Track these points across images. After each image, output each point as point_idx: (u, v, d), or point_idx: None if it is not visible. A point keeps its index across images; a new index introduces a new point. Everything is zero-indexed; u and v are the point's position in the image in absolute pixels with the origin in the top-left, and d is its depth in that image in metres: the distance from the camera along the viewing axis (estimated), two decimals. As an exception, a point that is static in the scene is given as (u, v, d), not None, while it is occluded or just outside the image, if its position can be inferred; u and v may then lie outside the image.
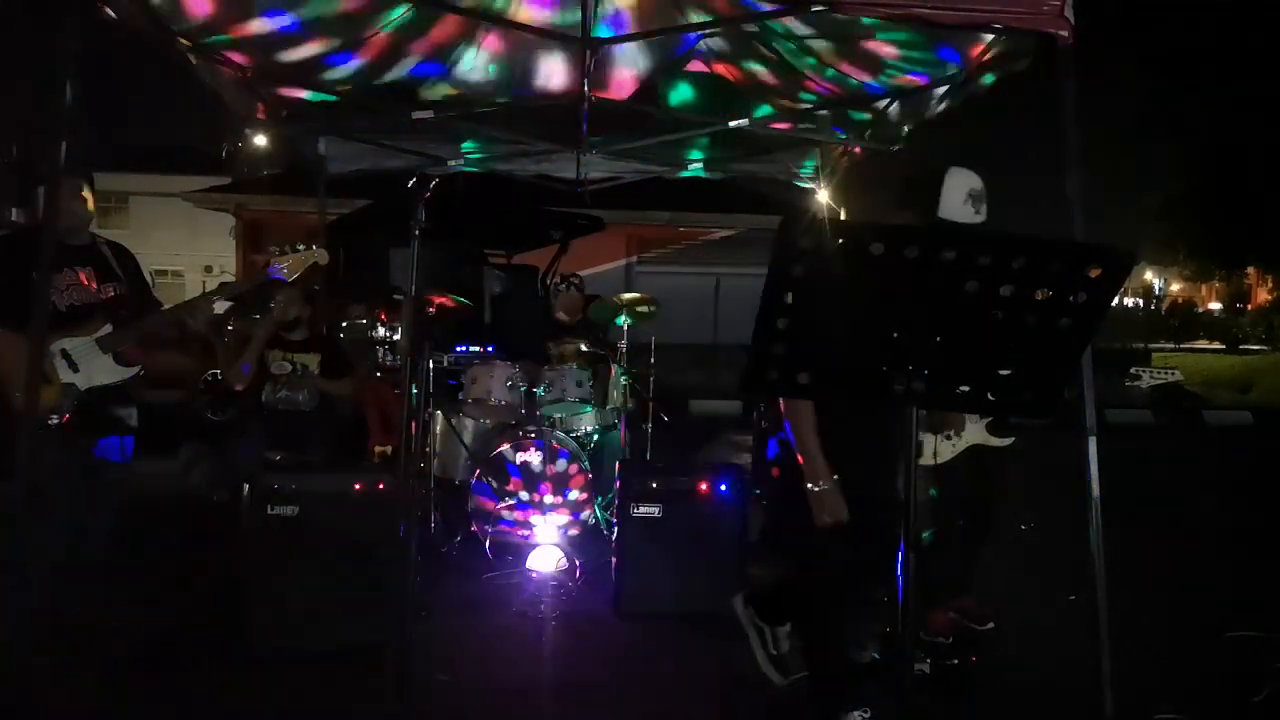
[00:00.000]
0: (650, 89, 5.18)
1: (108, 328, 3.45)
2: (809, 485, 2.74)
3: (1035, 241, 1.57)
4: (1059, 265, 1.58)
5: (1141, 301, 34.36)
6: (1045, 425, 2.64)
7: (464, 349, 6.15)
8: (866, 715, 2.81)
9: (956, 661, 3.62)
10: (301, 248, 3.65)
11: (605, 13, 4.24)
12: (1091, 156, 2.99)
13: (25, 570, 3.09)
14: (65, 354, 3.36)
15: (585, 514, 4.88)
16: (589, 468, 4.91)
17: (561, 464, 4.83)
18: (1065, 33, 3.03)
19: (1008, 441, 3.80)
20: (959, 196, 2.61)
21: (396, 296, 6.37)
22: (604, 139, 5.70)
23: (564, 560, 4.52)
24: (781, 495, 2.95)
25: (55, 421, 3.29)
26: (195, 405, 8.98)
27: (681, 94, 5.26)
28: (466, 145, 6.13)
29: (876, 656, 3.51)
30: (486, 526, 4.81)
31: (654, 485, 4.09)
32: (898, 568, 1.83)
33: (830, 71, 4.58)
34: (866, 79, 4.61)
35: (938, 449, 3.69)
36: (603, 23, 4.27)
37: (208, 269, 29.15)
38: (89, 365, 3.41)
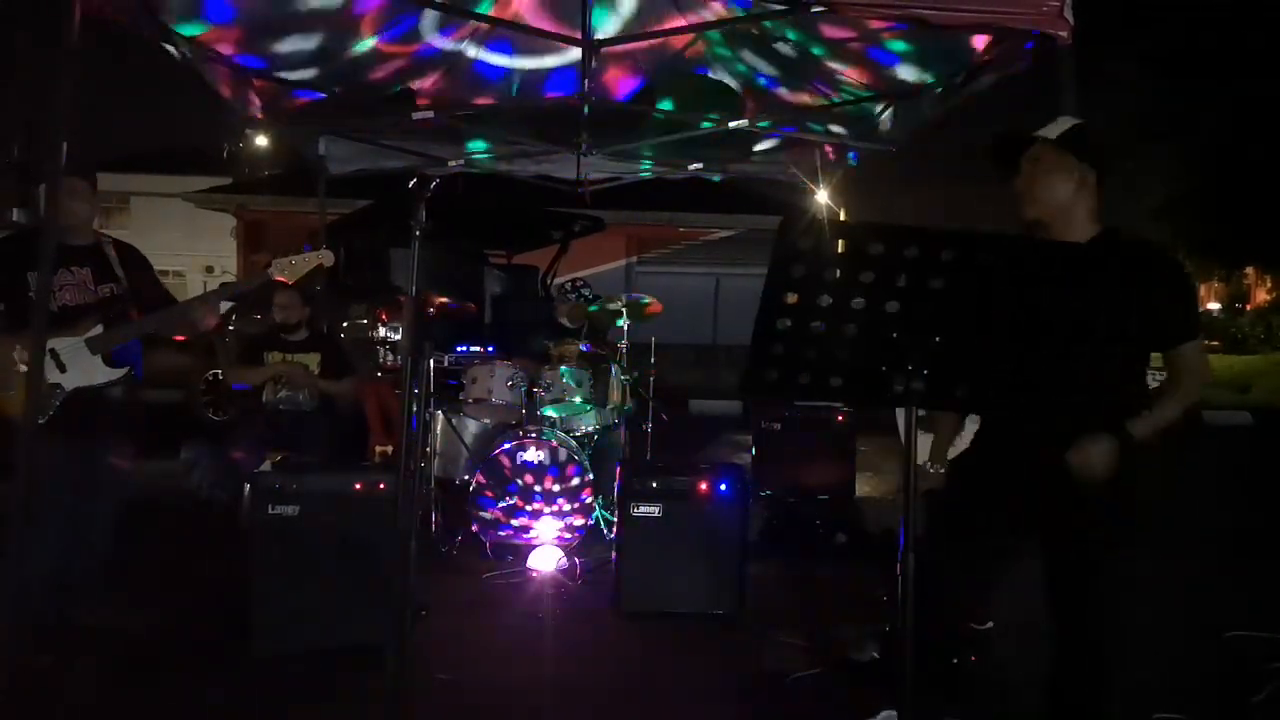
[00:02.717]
0: (650, 90, 5.18)
1: (98, 328, 3.45)
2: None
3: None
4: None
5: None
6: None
7: (464, 349, 6.15)
8: (893, 716, 2.82)
9: (956, 661, 3.62)
10: (306, 249, 3.65)
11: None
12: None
13: (25, 570, 3.08)
14: (54, 354, 3.35)
15: (585, 514, 4.88)
16: (589, 468, 4.91)
17: (562, 464, 4.83)
18: (1065, 33, 3.03)
19: None
20: None
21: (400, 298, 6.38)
22: (604, 141, 5.71)
23: (564, 560, 4.52)
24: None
25: (41, 421, 3.29)
26: (196, 405, 9.01)
27: (681, 95, 5.26)
28: (467, 145, 6.13)
29: (876, 655, 3.51)
30: (486, 526, 4.81)
31: (654, 485, 4.09)
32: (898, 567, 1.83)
33: (830, 72, 4.58)
34: (866, 80, 4.61)
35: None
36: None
37: (209, 269, 29.17)
38: (77, 366, 3.41)
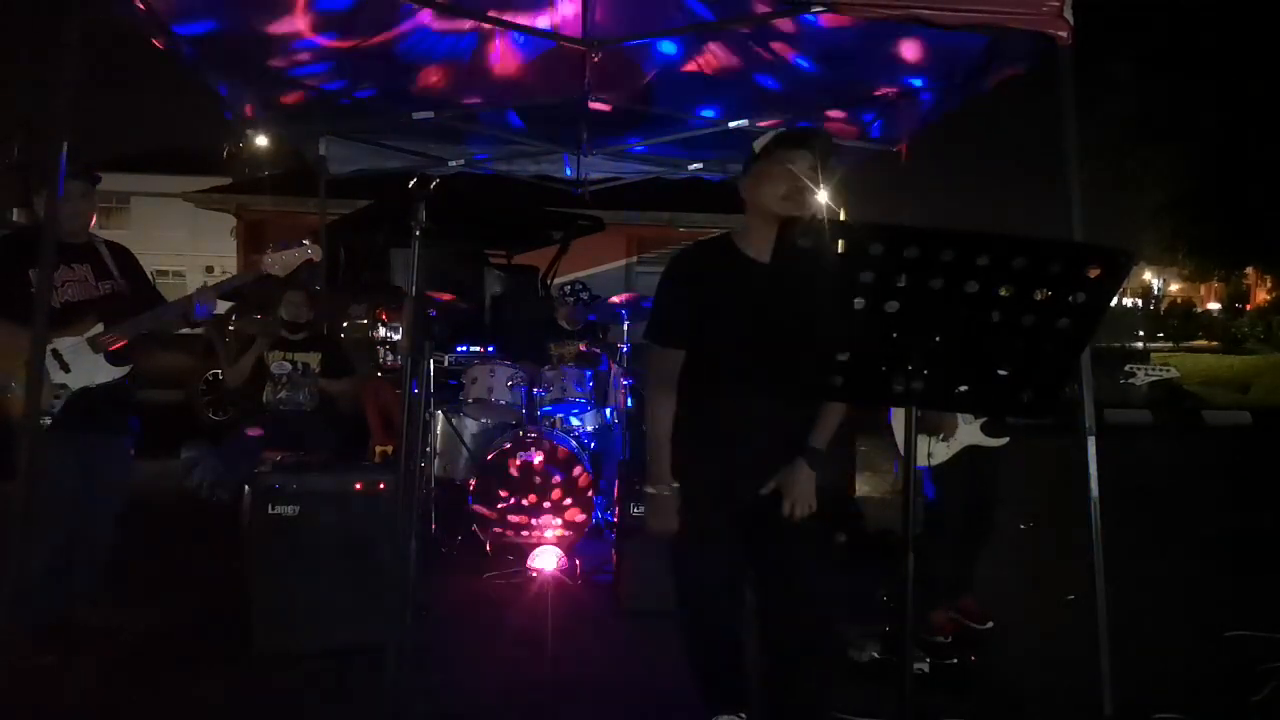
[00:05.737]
0: (649, 89, 5.18)
1: (99, 327, 3.45)
2: (646, 488, 2.61)
3: (1034, 242, 1.57)
4: (1058, 265, 1.58)
5: (1140, 302, 34.42)
6: (1044, 426, 2.66)
7: (464, 349, 6.16)
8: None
9: (956, 661, 3.63)
10: (293, 244, 3.65)
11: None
12: (1091, 157, 2.99)
13: (25, 570, 3.08)
14: (56, 354, 3.35)
15: (585, 514, 4.88)
16: (589, 468, 4.91)
17: (562, 464, 4.83)
18: (1064, 34, 3.03)
19: (1002, 442, 3.82)
20: None
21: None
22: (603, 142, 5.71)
23: (564, 560, 4.52)
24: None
25: (46, 422, 3.29)
26: (196, 405, 9.01)
27: (680, 94, 5.26)
28: (467, 146, 6.13)
29: (876, 655, 3.51)
30: (486, 526, 4.81)
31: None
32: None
33: (831, 72, 4.58)
34: (867, 80, 4.61)
35: (932, 450, 3.71)
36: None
37: (209, 269, 29.17)
38: (80, 365, 3.41)
